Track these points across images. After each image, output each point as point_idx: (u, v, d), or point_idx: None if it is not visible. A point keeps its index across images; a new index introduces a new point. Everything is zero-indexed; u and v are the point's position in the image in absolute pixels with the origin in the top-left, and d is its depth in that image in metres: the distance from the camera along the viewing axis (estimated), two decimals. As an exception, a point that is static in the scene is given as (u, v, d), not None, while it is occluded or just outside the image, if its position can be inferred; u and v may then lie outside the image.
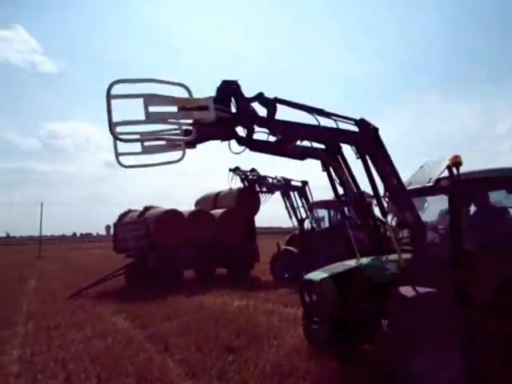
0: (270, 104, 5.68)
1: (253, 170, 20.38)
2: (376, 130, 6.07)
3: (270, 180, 20.29)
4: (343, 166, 6.65)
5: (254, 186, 20.90)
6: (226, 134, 5.76)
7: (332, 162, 6.64)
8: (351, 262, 6.59)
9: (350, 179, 6.72)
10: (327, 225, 18.36)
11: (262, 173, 20.58)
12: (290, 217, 19.53)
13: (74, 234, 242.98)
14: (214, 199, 22.51)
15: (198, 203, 23.43)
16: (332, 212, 18.27)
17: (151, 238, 18.08)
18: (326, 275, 5.98)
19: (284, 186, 19.83)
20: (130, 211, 21.70)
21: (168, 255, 18.08)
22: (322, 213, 18.54)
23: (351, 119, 6.11)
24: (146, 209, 20.25)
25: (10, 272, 28.77)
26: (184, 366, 7.08)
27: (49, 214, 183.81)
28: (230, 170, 20.40)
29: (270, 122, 5.72)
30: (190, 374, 6.70)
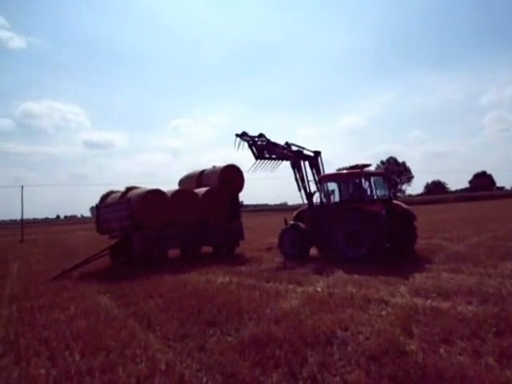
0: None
1: (261, 136, 19.09)
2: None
3: (281, 148, 18.97)
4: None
5: (263, 153, 18.90)
6: None
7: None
8: None
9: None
10: (337, 199, 17.05)
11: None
12: (299, 189, 18.25)
13: (58, 217, 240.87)
14: (198, 178, 22.41)
15: (181, 182, 23.33)
16: (342, 185, 17.08)
17: (135, 218, 18.07)
18: None
19: (295, 155, 18.46)
20: (112, 192, 21.63)
21: (152, 235, 18.16)
22: (332, 186, 17.27)
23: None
24: (129, 189, 20.25)
25: (-7, 256, 28.74)
26: (165, 340, 7.27)
27: (31, 197, 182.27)
28: (237, 135, 18.91)
29: None
30: (171, 347, 6.88)
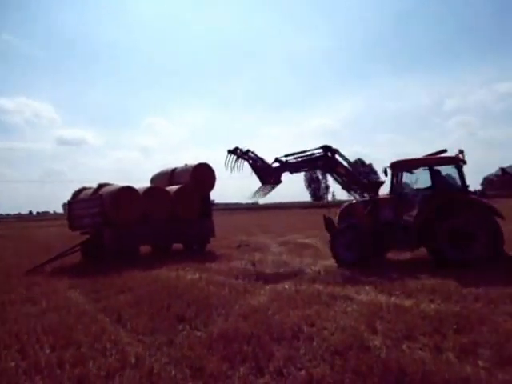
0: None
1: (247, 152, 15.73)
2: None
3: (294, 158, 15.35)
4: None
5: (269, 175, 15.51)
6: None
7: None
8: None
9: None
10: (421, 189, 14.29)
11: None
12: (346, 187, 15.81)
13: (31, 213, 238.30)
14: (170, 176, 22.58)
15: (153, 180, 23.45)
16: (431, 174, 13.92)
17: (106, 214, 18.12)
18: None
19: (325, 156, 15.04)
20: (84, 188, 21.51)
21: (123, 232, 18.24)
22: (410, 176, 14.51)
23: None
24: (101, 186, 20.20)
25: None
26: (135, 334, 7.40)
27: (3, 193, 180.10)
28: (230, 151, 15.67)
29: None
30: (141, 341, 7.01)
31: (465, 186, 13.35)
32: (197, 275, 12.85)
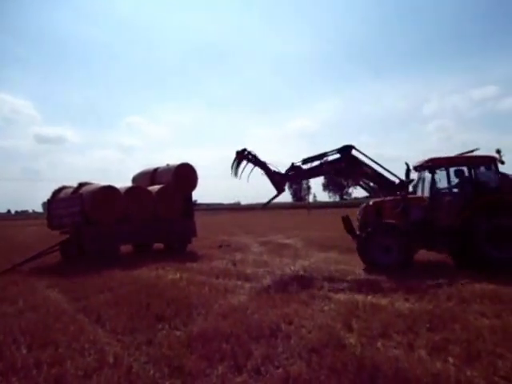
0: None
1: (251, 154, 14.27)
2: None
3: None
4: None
5: (284, 183, 14.53)
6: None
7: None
8: None
9: None
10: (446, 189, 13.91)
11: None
12: (368, 186, 14.93)
13: (9, 211, 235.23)
14: (152, 175, 22.60)
15: (135, 179, 23.43)
16: (467, 173, 13.43)
17: (86, 214, 18.07)
18: None
19: (347, 158, 14.13)
20: (64, 187, 21.40)
21: (104, 231, 18.20)
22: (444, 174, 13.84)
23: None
24: (81, 185, 20.14)
25: None
26: (114, 334, 7.42)
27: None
28: (238, 153, 14.20)
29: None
30: (120, 341, 7.04)
31: (500, 186, 12.98)
32: (177, 275, 12.86)
